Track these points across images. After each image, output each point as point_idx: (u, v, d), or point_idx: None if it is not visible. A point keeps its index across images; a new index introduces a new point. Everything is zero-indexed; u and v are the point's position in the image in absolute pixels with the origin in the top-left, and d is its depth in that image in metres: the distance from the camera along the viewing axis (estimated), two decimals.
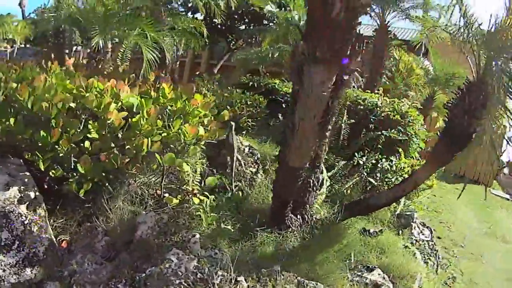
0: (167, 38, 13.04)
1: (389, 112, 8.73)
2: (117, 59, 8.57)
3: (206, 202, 5.16)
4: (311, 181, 5.86)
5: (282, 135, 5.09)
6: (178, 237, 4.43)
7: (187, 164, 5.27)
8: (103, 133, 4.49)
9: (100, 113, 4.47)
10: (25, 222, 4.02)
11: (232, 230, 5.18)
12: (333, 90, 4.25)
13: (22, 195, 4.17)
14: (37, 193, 4.31)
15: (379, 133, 8.28)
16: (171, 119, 5.04)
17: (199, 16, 16.91)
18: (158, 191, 5.28)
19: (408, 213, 7.43)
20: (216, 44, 21.34)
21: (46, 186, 4.57)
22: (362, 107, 8.84)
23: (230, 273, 3.88)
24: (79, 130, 4.42)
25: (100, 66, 8.61)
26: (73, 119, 4.43)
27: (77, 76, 5.11)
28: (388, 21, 14.41)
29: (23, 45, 31.27)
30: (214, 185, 5.73)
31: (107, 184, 4.79)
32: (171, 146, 5.02)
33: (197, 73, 21.02)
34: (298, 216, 5.80)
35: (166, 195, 5.21)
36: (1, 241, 3.90)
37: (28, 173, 4.43)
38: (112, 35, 8.74)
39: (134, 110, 4.77)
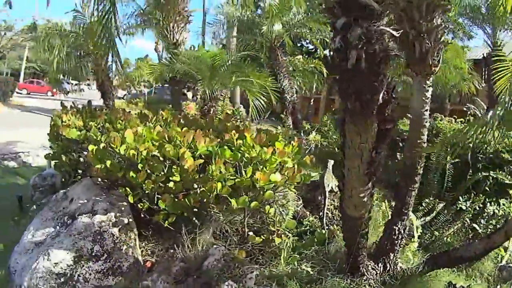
0: (286, 80, 13.51)
1: (500, 149, 7.92)
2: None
3: (286, 242, 5.33)
4: (396, 229, 5.65)
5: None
6: (239, 272, 4.66)
7: (271, 207, 5.55)
8: (184, 176, 4.96)
9: (177, 160, 5.00)
10: (116, 241, 4.85)
11: (311, 272, 5.20)
12: (376, 141, 4.09)
13: (117, 220, 5.07)
14: (131, 220, 5.15)
15: (486, 174, 7.56)
16: (248, 166, 5.19)
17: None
18: (242, 229, 5.53)
19: None
20: None
21: (142, 216, 5.32)
22: (470, 145, 8.05)
23: None
24: (162, 173, 5.00)
25: (211, 112, 9.15)
26: (157, 164, 5.02)
27: (172, 128, 5.84)
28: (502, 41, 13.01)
29: (160, 85, 33.86)
30: (304, 227, 6.00)
31: (193, 219, 5.33)
32: (245, 190, 5.16)
33: (333, 109, 21.13)
34: (380, 264, 5.60)
35: (250, 233, 5.42)
36: (93, 252, 4.76)
37: (125, 203, 5.30)
38: (218, 85, 9.22)
39: (213, 157, 5.13)
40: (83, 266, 4.61)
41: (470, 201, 7.37)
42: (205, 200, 5.03)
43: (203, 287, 4.42)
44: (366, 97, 3.74)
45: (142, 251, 5.28)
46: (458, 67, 14.60)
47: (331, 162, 7.35)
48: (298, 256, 5.41)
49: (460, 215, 7.39)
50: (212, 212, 5.40)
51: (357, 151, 4.09)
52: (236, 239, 5.49)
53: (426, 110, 5.44)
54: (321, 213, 6.76)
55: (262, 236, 5.33)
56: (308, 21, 13.20)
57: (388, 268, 5.60)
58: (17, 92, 34.52)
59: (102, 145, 5.51)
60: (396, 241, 5.65)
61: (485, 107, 13.25)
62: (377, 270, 5.50)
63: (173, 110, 9.35)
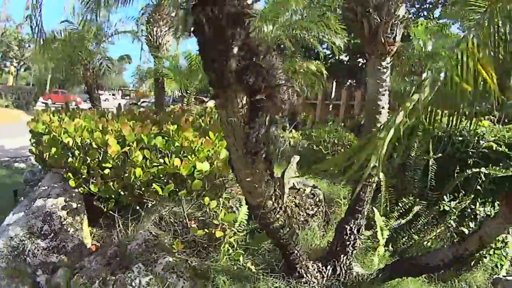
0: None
1: (494, 143, 6.86)
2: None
3: (230, 236, 4.99)
4: (347, 228, 4.87)
5: None
6: (153, 257, 4.59)
7: (212, 199, 5.22)
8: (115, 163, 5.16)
9: (103, 147, 5.21)
10: (63, 223, 5.19)
11: (253, 269, 4.78)
12: (249, 114, 3.33)
13: (66, 204, 5.38)
14: (79, 205, 5.43)
15: (477, 171, 6.56)
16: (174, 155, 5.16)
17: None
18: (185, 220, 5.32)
19: (510, 278, 5.78)
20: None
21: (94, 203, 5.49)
22: (459, 138, 6.98)
23: None
24: (97, 160, 5.25)
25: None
26: (92, 151, 5.27)
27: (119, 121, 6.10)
28: None
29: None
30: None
31: (138, 208, 5.44)
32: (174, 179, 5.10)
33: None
34: (329, 267, 4.81)
35: (193, 225, 5.19)
36: (42, 231, 5.11)
37: (77, 190, 5.54)
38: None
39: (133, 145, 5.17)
40: (33, 242, 4.98)
41: (456, 201, 6.42)
42: (130, 186, 5.11)
43: (122, 268, 4.45)
44: (217, 65, 3.06)
45: (93, 236, 5.55)
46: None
47: (295, 158, 6.63)
48: (242, 252, 4.98)
49: (445, 217, 6.47)
50: (154, 202, 5.38)
51: (227, 126, 3.38)
52: (179, 230, 5.29)
53: (383, 95, 4.74)
54: None
55: (206, 230, 5.02)
56: (305, 21, 12.44)
57: (338, 272, 4.80)
58: (42, 102, 34.85)
59: (52, 134, 5.79)
60: (348, 242, 4.86)
61: None
62: (324, 273, 4.71)
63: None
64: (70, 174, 5.39)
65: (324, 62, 20.82)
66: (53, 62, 11.85)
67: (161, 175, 5.02)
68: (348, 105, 33.42)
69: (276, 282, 4.44)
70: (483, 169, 6.54)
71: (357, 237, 4.88)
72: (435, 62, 13.21)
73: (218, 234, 4.91)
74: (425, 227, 6.45)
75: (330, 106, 33.58)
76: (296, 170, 6.54)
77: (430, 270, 4.82)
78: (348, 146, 8.25)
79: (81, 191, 5.44)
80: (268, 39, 12.57)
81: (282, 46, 13.87)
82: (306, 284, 4.50)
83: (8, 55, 42.71)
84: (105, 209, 5.35)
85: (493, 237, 4.45)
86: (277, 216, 3.88)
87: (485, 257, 6.09)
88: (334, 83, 31.37)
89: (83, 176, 5.30)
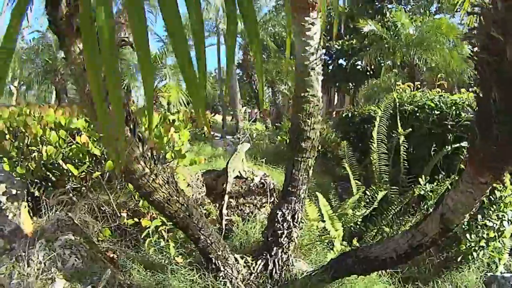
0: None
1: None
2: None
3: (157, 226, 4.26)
4: (279, 214, 3.82)
5: None
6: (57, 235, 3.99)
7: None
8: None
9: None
10: (2, 208, 4.72)
11: (179, 262, 4.01)
12: None
13: (6, 190, 4.87)
14: (19, 192, 4.89)
15: (457, 145, 5.45)
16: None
17: None
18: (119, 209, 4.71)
19: (508, 275, 4.67)
20: None
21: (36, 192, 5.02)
22: (436, 112, 5.89)
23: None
24: (25, 143, 4.85)
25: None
26: (20, 134, 4.90)
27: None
28: None
29: None
30: None
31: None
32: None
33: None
34: (259, 262, 3.77)
35: (124, 214, 4.56)
36: None
37: (19, 178, 5.00)
38: None
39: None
40: None
41: (434, 184, 5.30)
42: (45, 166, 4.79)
43: (33, 245, 3.87)
44: None
45: (34, 222, 4.92)
46: (459, 48, 12.29)
47: (244, 145, 5.65)
48: (173, 244, 4.19)
49: (422, 204, 5.36)
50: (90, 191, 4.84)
51: None
52: (113, 220, 4.64)
53: (312, 54, 3.78)
54: (222, 202, 5.03)
55: (135, 219, 4.43)
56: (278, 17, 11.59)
57: (271, 268, 3.74)
58: None
59: None
60: (280, 231, 3.79)
61: None
62: (252, 268, 3.68)
63: None
64: (5, 158, 4.99)
65: (323, 69, 19.91)
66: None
67: (78, 155, 4.62)
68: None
69: (194, 275, 3.57)
70: (464, 143, 5.43)
71: (292, 225, 3.81)
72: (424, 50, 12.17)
73: (144, 223, 4.24)
74: (399, 218, 5.33)
75: (334, 113, 32.54)
76: (244, 158, 5.54)
77: (381, 266, 3.62)
78: None
79: (15, 175, 5.03)
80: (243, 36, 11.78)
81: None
82: (224, 279, 3.47)
83: None
84: (37, 194, 4.92)
85: (460, 213, 3.18)
86: (153, 184, 2.90)
87: (475, 251, 4.93)
88: (336, 90, 30.39)
89: (14, 160, 4.94)
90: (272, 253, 3.78)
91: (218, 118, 39.45)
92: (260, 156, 6.79)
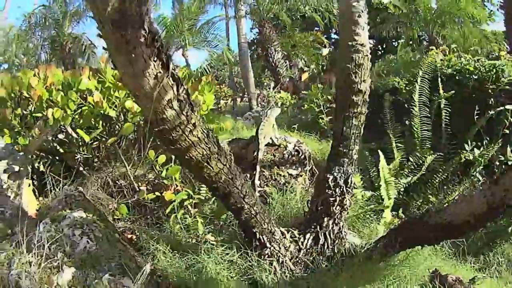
0: (277, 54, 11.32)
1: None
2: None
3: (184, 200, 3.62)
4: (330, 179, 3.23)
5: None
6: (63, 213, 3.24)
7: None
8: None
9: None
10: (3, 187, 4.15)
11: (211, 241, 3.31)
12: None
13: (8, 167, 4.31)
14: (22, 168, 4.31)
15: (501, 109, 4.82)
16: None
17: None
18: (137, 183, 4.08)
19: None
20: None
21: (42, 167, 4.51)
22: (474, 76, 5.24)
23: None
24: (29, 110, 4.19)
25: None
26: (23, 101, 4.18)
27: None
28: None
29: None
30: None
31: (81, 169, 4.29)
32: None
33: None
34: (308, 236, 3.18)
35: (142, 188, 3.94)
36: None
37: (22, 153, 4.39)
38: None
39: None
40: None
41: (480, 150, 4.68)
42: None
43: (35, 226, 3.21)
44: None
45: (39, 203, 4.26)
46: (477, 22, 11.51)
47: (274, 110, 5.03)
48: (202, 220, 3.52)
49: (468, 171, 4.74)
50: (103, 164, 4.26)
51: None
52: (130, 194, 3.98)
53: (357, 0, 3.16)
54: (254, 171, 4.40)
55: (156, 193, 3.78)
56: None
57: (322, 242, 3.15)
58: None
59: None
60: (332, 199, 3.19)
61: None
62: (301, 244, 3.10)
63: None
64: (5, 130, 4.28)
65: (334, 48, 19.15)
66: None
67: (89, 120, 3.93)
68: None
69: (233, 255, 2.96)
70: (508, 107, 4.80)
71: (345, 190, 3.21)
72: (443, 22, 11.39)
73: (168, 196, 3.60)
74: (445, 186, 4.73)
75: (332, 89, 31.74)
76: (275, 124, 4.92)
77: (456, 232, 3.05)
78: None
79: (17, 149, 4.37)
80: (262, 11, 11.12)
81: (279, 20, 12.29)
82: (271, 258, 2.88)
83: None
84: (43, 169, 4.34)
85: None
86: (190, 137, 2.26)
87: None
88: None
89: (16, 130, 4.25)
90: (323, 225, 3.20)
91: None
92: (288, 128, 6.20)
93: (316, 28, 15.07)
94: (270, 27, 11.40)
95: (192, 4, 9.52)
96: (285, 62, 11.88)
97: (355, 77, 3.14)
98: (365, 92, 3.21)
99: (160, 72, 1.92)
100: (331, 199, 3.18)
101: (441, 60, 5.67)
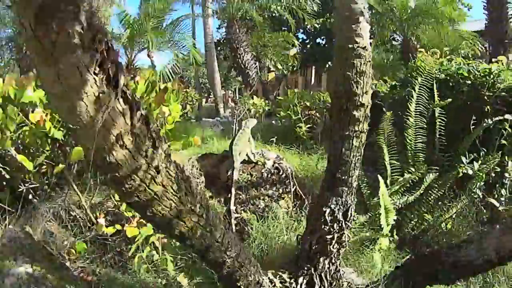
0: (247, 55, 10.76)
1: None
2: None
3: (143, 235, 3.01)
4: (327, 212, 2.69)
5: None
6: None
7: None
8: None
9: None
10: None
11: (184, 284, 2.86)
12: None
13: None
14: None
15: (499, 118, 4.41)
16: None
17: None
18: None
19: None
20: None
21: None
22: (468, 82, 4.80)
23: None
24: None
25: None
26: None
27: None
28: None
29: None
30: None
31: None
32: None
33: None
34: (300, 280, 2.64)
35: (100, 220, 3.28)
36: None
37: None
38: None
39: None
40: None
41: (478, 163, 4.26)
42: None
43: None
44: None
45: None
46: (454, 22, 11.33)
47: (250, 121, 4.46)
48: (171, 258, 2.99)
49: (465, 185, 4.30)
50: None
51: None
52: (84, 226, 3.43)
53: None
54: (229, 194, 3.83)
55: (117, 226, 3.24)
56: None
57: (317, 285, 2.61)
58: None
59: None
60: (329, 236, 2.64)
61: None
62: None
63: None
64: None
65: (301, 49, 18.75)
66: None
67: (34, 141, 3.25)
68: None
69: None
70: (508, 116, 4.40)
71: (344, 225, 2.66)
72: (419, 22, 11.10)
73: (130, 232, 3.02)
74: (440, 201, 4.28)
75: (311, 94, 31.47)
76: (251, 137, 4.35)
77: (474, 271, 2.62)
78: (325, 109, 6.02)
79: None
80: (231, 9, 10.52)
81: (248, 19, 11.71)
82: None
83: None
84: None
85: None
86: (153, 187, 1.62)
87: None
88: (313, 69, 29.35)
89: None
90: (318, 266, 2.64)
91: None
92: (263, 137, 5.64)
93: (284, 28, 14.65)
94: (239, 27, 10.85)
95: (158, 1, 8.86)
96: (255, 64, 11.34)
97: (357, 87, 2.60)
98: (367, 106, 2.68)
99: (103, 92, 1.28)
100: (328, 236, 2.62)
101: (432, 62, 5.25)
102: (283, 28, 14.67)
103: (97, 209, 3.52)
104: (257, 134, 5.20)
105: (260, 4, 10.96)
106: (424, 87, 4.60)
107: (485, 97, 4.68)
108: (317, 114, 5.87)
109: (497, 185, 4.38)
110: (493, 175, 4.49)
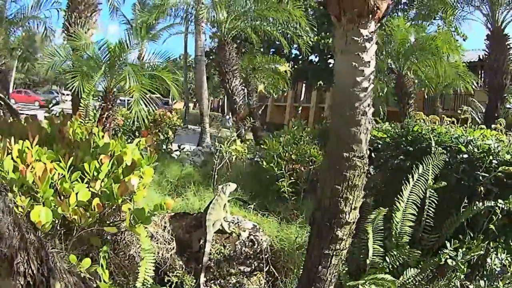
0: (236, 81, 10.57)
1: None
2: None
3: None
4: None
5: None
6: None
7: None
8: None
9: None
10: None
11: None
12: None
13: None
14: None
15: (491, 204, 4.29)
16: None
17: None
18: None
19: None
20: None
21: None
22: (464, 156, 4.71)
23: None
24: None
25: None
26: None
27: None
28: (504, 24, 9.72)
29: None
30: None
31: None
32: None
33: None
34: None
35: None
36: None
37: None
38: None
39: None
40: None
41: (462, 250, 4.13)
42: None
43: None
44: None
45: None
46: (452, 64, 11.37)
47: (229, 186, 4.27)
48: None
49: (446, 270, 4.19)
50: None
51: None
52: None
53: (365, 90, 2.53)
54: (200, 265, 3.71)
55: None
56: (267, 10, 10.09)
57: None
58: None
59: None
60: None
61: (483, 110, 9.98)
62: None
63: None
64: None
65: (293, 64, 18.67)
66: None
67: None
68: (318, 108, 31.37)
69: None
70: (501, 202, 4.30)
71: None
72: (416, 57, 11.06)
73: None
74: (416, 285, 4.15)
75: (300, 109, 31.46)
76: (227, 204, 4.18)
77: None
78: (310, 163, 5.86)
79: None
80: (223, 30, 10.31)
81: (241, 40, 11.55)
82: None
83: None
84: None
85: None
86: None
87: None
88: (304, 86, 29.30)
89: None
90: None
91: (179, 105, 37.42)
92: (243, 188, 5.46)
93: (272, 50, 14.60)
94: (231, 49, 10.64)
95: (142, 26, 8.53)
96: (243, 90, 11.18)
97: (345, 205, 2.45)
98: (353, 222, 2.54)
99: None
100: None
101: (429, 130, 5.15)
102: (274, 47, 14.63)
103: None
104: (237, 189, 5.01)
105: (254, 26, 10.77)
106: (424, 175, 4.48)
107: (480, 177, 4.57)
108: (302, 168, 5.71)
109: (480, 273, 4.29)
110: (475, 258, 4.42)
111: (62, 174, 3.00)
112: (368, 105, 2.46)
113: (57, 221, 2.91)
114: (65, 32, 8.19)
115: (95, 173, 3.15)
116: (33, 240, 2.00)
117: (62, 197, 2.94)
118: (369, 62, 2.42)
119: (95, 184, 3.07)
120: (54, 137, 3.66)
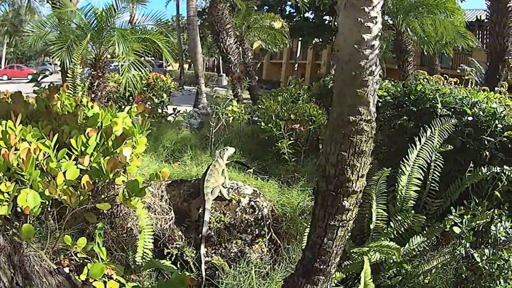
0: (230, 39, 10.25)
1: None
2: None
3: None
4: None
5: None
6: None
7: None
8: None
9: None
10: None
11: None
12: None
13: None
14: None
15: (496, 170, 4.19)
16: None
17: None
18: None
19: None
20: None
21: None
22: (469, 118, 4.60)
23: None
24: None
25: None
26: None
27: None
28: None
29: None
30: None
31: None
32: None
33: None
34: None
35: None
36: None
37: None
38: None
39: None
40: None
41: (468, 216, 4.05)
42: None
43: None
44: None
45: None
46: (451, 21, 11.08)
47: (227, 151, 4.13)
48: None
49: (451, 236, 4.12)
50: None
51: None
52: None
53: (371, 48, 2.27)
54: (199, 235, 3.61)
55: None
56: None
57: None
58: None
59: None
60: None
61: (483, 71, 9.75)
62: None
63: None
64: None
65: (287, 20, 18.31)
66: None
67: None
68: (315, 65, 31.03)
69: None
70: (506, 168, 4.17)
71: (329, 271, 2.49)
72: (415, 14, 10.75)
73: None
74: (421, 251, 4.11)
75: (296, 66, 31.06)
76: (225, 169, 4.05)
77: None
78: (310, 122, 5.71)
79: None
80: None
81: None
82: None
83: None
84: None
85: None
86: None
87: None
88: (299, 43, 28.81)
89: None
90: None
91: (175, 65, 36.78)
92: (241, 150, 5.32)
93: (266, 7, 14.20)
94: (223, 8, 10.27)
95: None
96: (237, 48, 10.88)
97: (352, 173, 2.31)
98: (360, 191, 2.40)
99: None
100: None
101: (433, 90, 4.97)
102: (267, 4, 14.22)
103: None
104: (236, 151, 4.88)
105: None
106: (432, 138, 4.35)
107: (485, 142, 4.45)
108: (302, 128, 5.55)
109: (483, 239, 4.23)
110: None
111: (47, 153, 2.84)
112: (376, 64, 2.27)
113: (47, 202, 2.78)
114: (50, 1, 7.83)
115: (83, 148, 3.00)
116: (3, 246, 1.87)
117: (49, 178, 2.79)
118: (376, 17, 2.20)
119: (84, 160, 2.92)
120: (42, 113, 3.48)
